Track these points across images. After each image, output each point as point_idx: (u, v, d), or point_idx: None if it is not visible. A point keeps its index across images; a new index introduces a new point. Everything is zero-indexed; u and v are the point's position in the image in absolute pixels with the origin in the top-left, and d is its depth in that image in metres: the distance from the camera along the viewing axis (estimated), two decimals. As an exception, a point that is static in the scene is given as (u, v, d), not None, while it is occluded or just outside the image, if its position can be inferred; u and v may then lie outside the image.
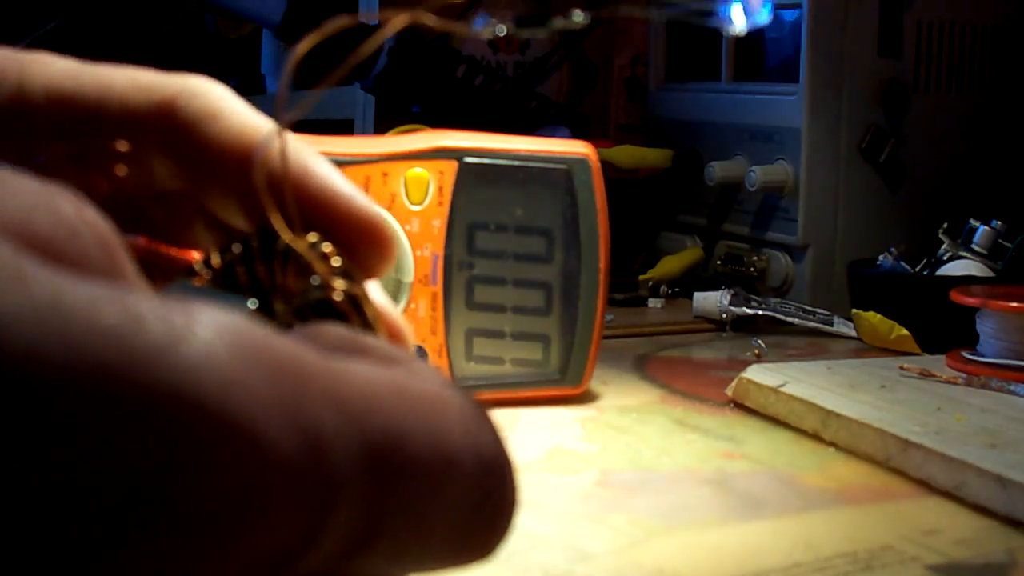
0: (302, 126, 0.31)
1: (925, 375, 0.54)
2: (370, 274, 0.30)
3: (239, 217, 0.30)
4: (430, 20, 0.27)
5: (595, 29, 1.02)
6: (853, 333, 0.69)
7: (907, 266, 0.71)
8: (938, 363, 0.57)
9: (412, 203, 0.52)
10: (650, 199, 0.90)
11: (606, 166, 0.55)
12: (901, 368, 0.55)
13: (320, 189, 0.28)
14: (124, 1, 1.04)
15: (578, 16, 0.27)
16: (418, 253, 0.52)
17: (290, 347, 0.19)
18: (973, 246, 0.71)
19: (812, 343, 0.68)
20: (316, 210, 0.28)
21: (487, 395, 0.52)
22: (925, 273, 0.71)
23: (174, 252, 0.32)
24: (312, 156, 0.29)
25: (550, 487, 0.42)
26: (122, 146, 0.29)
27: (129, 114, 0.29)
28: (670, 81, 0.91)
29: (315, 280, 0.26)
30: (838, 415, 0.48)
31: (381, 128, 0.84)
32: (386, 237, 0.29)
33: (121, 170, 0.30)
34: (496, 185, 0.52)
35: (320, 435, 0.18)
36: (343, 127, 0.91)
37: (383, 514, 0.20)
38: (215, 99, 0.29)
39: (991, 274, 0.69)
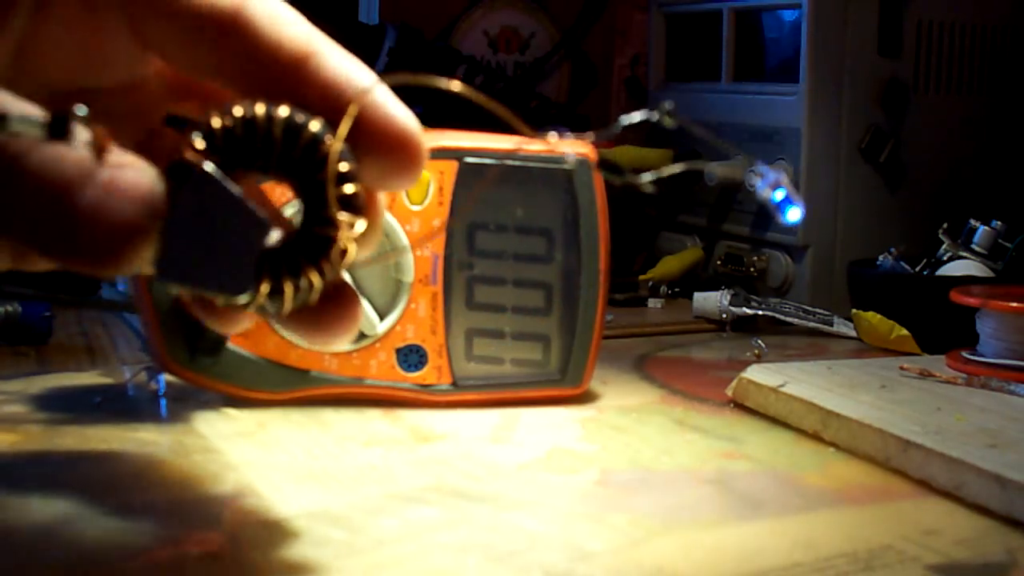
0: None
1: (925, 375, 0.54)
2: (390, 182, 0.33)
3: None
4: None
5: (595, 29, 1.02)
6: (853, 333, 0.69)
7: (907, 266, 0.71)
8: (938, 363, 0.57)
9: (412, 203, 0.52)
10: (650, 199, 0.90)
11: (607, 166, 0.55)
12: (901, 368, 0.55)
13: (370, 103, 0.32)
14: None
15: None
16: (418, 253, 0.52)
17: None
18: (973, 246, 0.71)
19: (812, 343, 0.68)
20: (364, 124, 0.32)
21: (487, 395, 0.52)
22: (925, 273, 0.71)
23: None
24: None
25: (550, 487, 0.42)
26: None
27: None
28: (670, 81, 0.91)
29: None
30: (838, 415, 0.48)
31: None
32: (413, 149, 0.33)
33: None
34: (496, 185, 0.52)
35: None
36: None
37: None
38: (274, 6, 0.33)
39: (991, 274, 0.69)
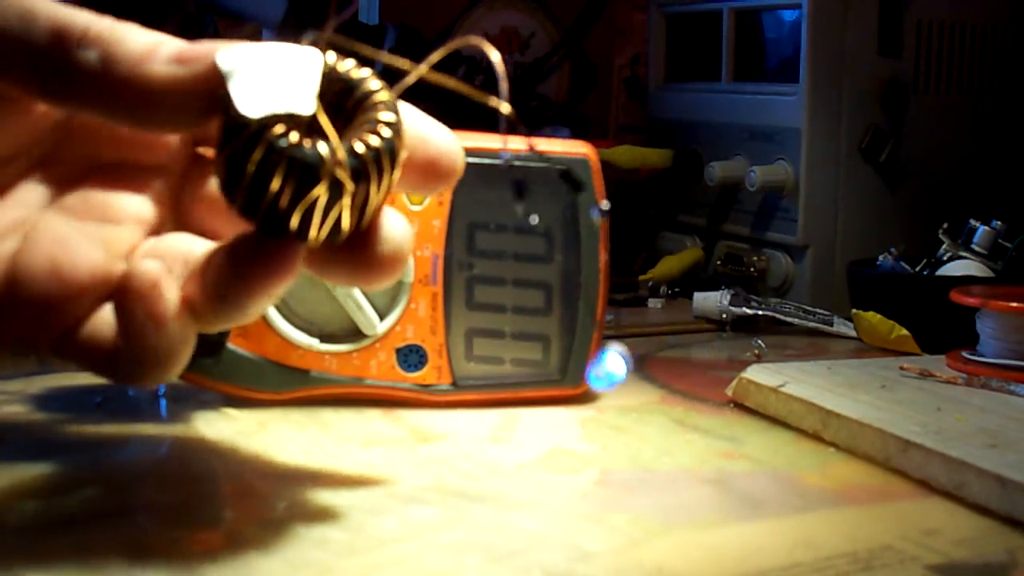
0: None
1: (925, 375, 0.54)
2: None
3: None
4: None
5: (595, 29, 1.02)
6: (853, 333, 0.69)
7: (907, 266, 0.71)
8: (938, 363, 0.57)
9: (412, 203, 0.52)
10: (650, 199, 0.90)
11: (606, 166, 0.55)
12: (901, 368, 0.55)
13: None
14: (125, 2, 1.03)
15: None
16: (418, 253, 0.52)
17: None
18: (973, 246, 0.71)
19: (812, 343, 0.68)
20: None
21: (487, 395, 0.52)
22: (925, 273, 0.71)
23: None
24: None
25: (550, 487, 0.42)
26: None
27: None
28: (670, 81, 0.91)
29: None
30: (838, 415, 0.48)
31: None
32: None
33: None
34: (496, 185, 0.52)
35: None
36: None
37: None
38: None
39: (991, 274, 0.69)
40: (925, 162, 0.79)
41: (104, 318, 0.35)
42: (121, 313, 0.34)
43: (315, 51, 0.33)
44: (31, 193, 0.36)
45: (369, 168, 0.32)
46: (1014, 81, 0.81)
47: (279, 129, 0.32)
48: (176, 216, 0.38)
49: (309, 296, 0.51)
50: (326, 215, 0.32)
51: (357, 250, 0.34)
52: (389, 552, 0.36)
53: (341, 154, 0.32)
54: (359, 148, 0.32)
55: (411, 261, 0.51)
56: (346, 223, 0.33)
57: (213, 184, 0.38)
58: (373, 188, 0.33)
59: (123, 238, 0.36)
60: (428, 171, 0.36)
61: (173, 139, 0.38)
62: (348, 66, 0.34)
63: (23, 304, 0.35)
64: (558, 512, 0.40)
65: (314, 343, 0.51)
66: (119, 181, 0.37)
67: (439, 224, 0.52)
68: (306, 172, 0.32)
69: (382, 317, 0.52)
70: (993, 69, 0.81)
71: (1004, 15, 0.81)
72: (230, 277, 0.33)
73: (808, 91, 0.75)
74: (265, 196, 0.32)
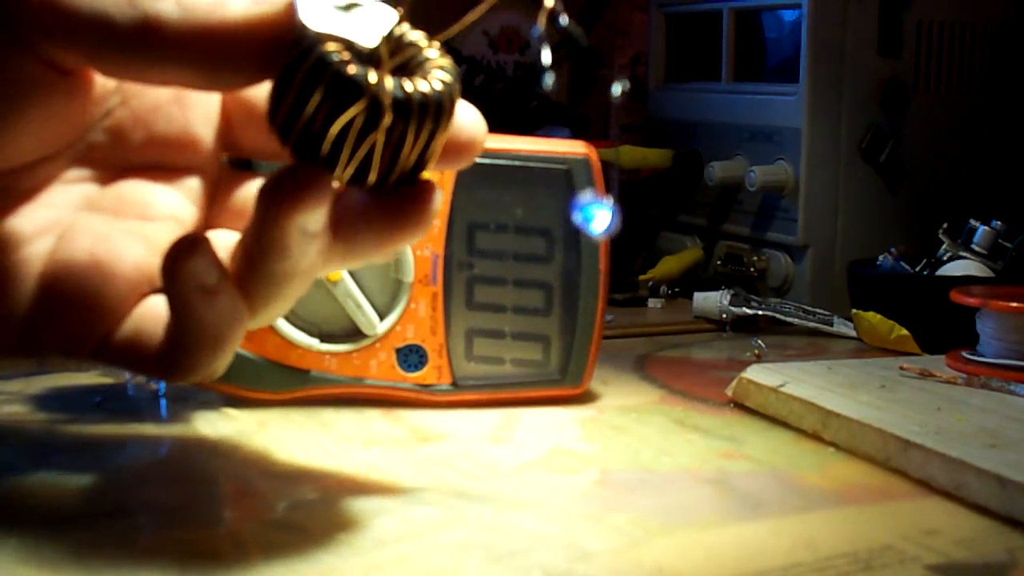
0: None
1: (925, 375, 0.54)
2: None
3: None
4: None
5: (595, 29, 1.02)
6: (853, 333, 0.69)
7: (907, 266, 0.71)
8: (938, 363, 0.57)
9: (412, 203, 0.51)
10: (650, 199, 0.90)
11: (606, 166, 0.55)
12: (901, 368, 0.55)
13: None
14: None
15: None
16: (418, 253, 0.52)
17: None
18: (973, 246, 0.71)
19: (812, 343, 0.68)
20: None
21: (487, 395, 0.52)
22: (925, 273, 0.71)
23: None
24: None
25: (550, 487, 0.42)
26: None
27: None
28: (670, 81, 0.91)
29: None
30: (838, 415, 0.48)
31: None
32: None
33: None
34: (496, 185, 0.52)
35: None
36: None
37: None
38: None
39: (991, 274, 0.69)
40: (925, 162, 0.79)
41: (145, 314, 0.35)
42: (171, 292, 0.33)
43: (392, 10, 0.33)
44: (63, 195, 0.36)
45: (412, 108, 0.32)
46: (1014, 81, 0.81)
47: (333, 46, 0.31)
48: (207, 226, 0.38)
49: (309, 296, 0.51)
50: (357, 147, 0.32)
51: (386, 202, 0.34)
52: (389, 552, 0.36)
53: (388, 84, 0.31)
54: (408, 87, 0.32)
55: (411, 261, 0.51)
56: (375, 166, 0.32)
57: (241, 196, 0.38)
58: (410, 135, 0.32)
59: (162, 235, 0.36)
60: (449, 144, 0.35)
61: (205, 142, 0.37)
62: (417, 36, 0.34)
63: (67, 302, 0.34)
64: (558, 512, 0.40)
65: (314, 343, 0.51)
66: (154, 181, 0.37)
67: (439, 224, 0.52)
68: (347, 89, 0.31)
69: (382, 317, 0.52)
70: (993, 69, 0.81)
71: (1004, 15, 0.81)
72: (262, 209, 0.32)
73: (808, 91, 0.75)
74: (304, 111, 0.31)
